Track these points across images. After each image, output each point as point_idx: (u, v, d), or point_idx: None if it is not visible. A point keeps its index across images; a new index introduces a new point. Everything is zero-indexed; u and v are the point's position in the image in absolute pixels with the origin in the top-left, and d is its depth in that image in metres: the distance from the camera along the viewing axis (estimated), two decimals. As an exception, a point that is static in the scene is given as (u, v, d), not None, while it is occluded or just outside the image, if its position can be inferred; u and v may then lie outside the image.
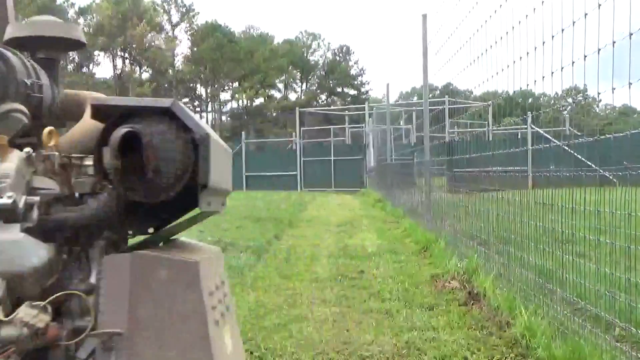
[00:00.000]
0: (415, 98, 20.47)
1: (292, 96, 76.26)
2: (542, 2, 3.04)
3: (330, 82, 76.92)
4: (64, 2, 65.57)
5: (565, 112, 24.25)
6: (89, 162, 1.36)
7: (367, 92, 77.29)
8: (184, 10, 71.95)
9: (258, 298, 4.09)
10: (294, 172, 25.16)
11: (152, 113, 1.22)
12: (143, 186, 1.19)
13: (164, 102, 1.21)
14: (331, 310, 3.75)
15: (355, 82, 78.35)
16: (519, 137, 21.82)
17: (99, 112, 1.26)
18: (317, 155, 25.66)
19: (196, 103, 76.41)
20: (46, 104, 1.55)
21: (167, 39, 68.97)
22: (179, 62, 71.29)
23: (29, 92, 1.45)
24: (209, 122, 76.28)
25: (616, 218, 2.45)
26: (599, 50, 2.42)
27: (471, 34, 4.56)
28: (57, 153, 1.34)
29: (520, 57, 3.39)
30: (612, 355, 2.31)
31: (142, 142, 1.15)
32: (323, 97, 78.72)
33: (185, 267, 1.21)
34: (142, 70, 68.91)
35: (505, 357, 2.73)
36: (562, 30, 2.76)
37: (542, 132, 13.20)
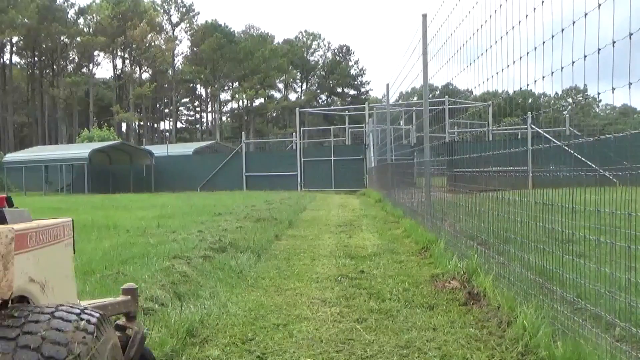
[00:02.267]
0: (415, 98, 20.45)
1: (292, 96, 76.32)
2: (542, 2, 3.04)
3: (330, 82, 76.93)
4: (64, 2, 65.57)
5: (565, 112, 24.24)
6: None
7: (367, 92, 77.33)
8: (184, 10, 71.98)
9: (258, 298, 4.09)
10: (294, 172, 25.17)
11: None
12: None
13: None
14: (331, 310, 3.75)
15: (355, 82, 78.38)
16: (519, 137, 21.84)
17: None
18: (317, 155, 25.68)
19: (196, 103, 76.41)
20: None
21: (167, 39, 68.95)
22: (179, 62, 71.34)
23: None
24: (209, 122, 76.32)
25: (616, 218, 2.45)
26: (599, 50, 2.41)
27: (471, 33, 4.56)
28: None
29: (520, 57, 3.39)
30: (612, 355, 2.31)
31: None
32: (323, 97, 78.73)
33: None
34: (142, 70, 68.90)
35: (505, 357, 2.73)
36: (562, 30, 2.76)
37: (542, 132, 13.19)
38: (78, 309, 1.05)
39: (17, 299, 1.07)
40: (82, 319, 1.02)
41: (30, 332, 0.94)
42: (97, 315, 1.05)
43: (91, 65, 68.76)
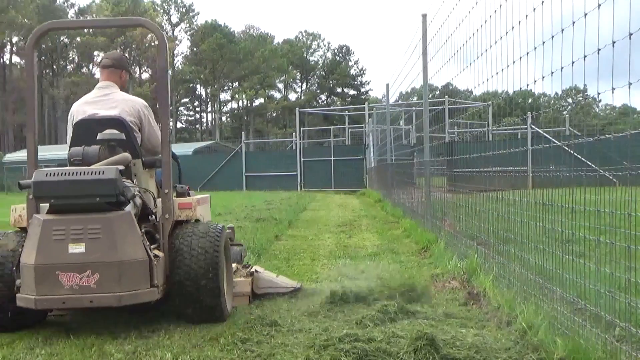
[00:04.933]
0: (415, 98, 20.45)
1: (292, 96, 76.30)
2: (542, 2, 3.04)
3: (330, 82, 76.89)
4: (63, 2, 65.58)
5: (565, 112, 24.23)
6: None
7: (367, 92, 77.29)
8: (183, 10, 71.99)
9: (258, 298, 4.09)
10: (294, 172, 25.14)
11: None
12: None
13: None
14: (331, 310, 3.74)
15: (355, 82, 78.33)
16: (519, 137, 21.83)
17: None
18: (317, 155, 25.65)
19: (196, 103, 76.42)
20: None
21: (167, 39, 68.85)
22: (179, 62, 71.31)
23: None
24: (209, 122, 76.35)
25: (616, 218, 2.45)
26: (599, 50, 2.41)
27: (471, 34, 4.56)
28: None
29: (520, 57, 3.39)
30: (612, 355, 2.31)
31: None
32: (323, 97, 78.69)
33: None
34: (142, 70, 68.89)
35: (505, 357, 2.72)
36: (562, 30, 2.76)
37: (542, 132, 13.19)
38: (215, 223, 3.60)
39: (195, 220, 3.58)
40: (217, 225, 3.50)
41: (206, 229, 3.41)
42: (221, 225, 3.52)
43: (91, 65, 68.78)
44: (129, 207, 3.15)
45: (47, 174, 3.08)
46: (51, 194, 3.05)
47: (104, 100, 3.79)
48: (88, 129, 3.52)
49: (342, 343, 2.75)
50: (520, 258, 3.49)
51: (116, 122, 3.57)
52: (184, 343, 3.00)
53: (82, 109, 3.80)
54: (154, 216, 3.43)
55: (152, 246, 3.22)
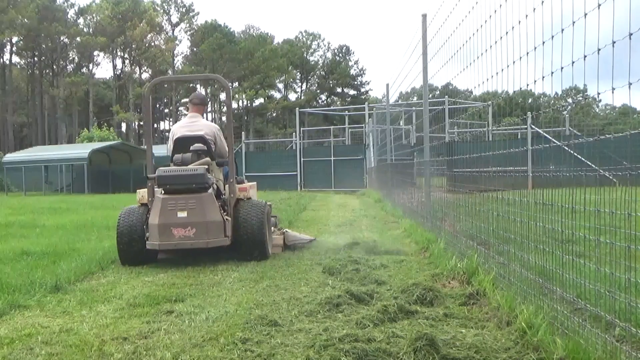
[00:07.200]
0: (415, 98, 20.43)
1: (292, 96, 76.30)
2: (542, 2, 3.04)
3: (330, 82, 76.88)
4: (64, 2, 65.57)
5: (565, 112, 24.21)
6: None
7: (367, 92, 77.28)
8: (183, 10, 72.00)
9: (258, 299, 4.09)
10: (294, 172, 25.14)
11: None
12: None
13: None
14: (331, 310, 3.74)
15: (355, 82, 78.34)
16: (519, 137, 21.83)
17: None
18: (317, 155, 25.65)
19: (196, 103, 76.31)
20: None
21: (167, 39, 68.94)
22: (179, 62, 71.28)
23: None
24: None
25: (616, 218, 2.44)
26: (599, 50, 2.41)
27: (470, 34, 4.56)
28: None
29: (520, 57, 3.39)
30: (612, 355, 2.31)
31: None
32: (323, 97, 78.69)
33: None
34: (142, 70, 68.87)
35: (505, 357, 2.72)
36: (562, 30, 2.76)
37: (542, 132, 13.19)
38: (261, 200, 5.91)
39: (248, 198, 5.72)
40: (262, 201, 5.81)
41: (256, 203, 5.69)
42: (265, 202, 5.82)
43: (91, 65, 68.82)
44: (210, 190, 5.31)
45: (164, 171, 5.25)
46: (167, 182, 5.23)
47: (193, 125, 6.10)
48: (183, 142, 5.77)
49: (342, 343, 2.76)
50: (520, 258, 3.49)
51: (200, 139, 5.79)
52: (184, 343, 3.01)
53: (179, 130, 6.05)
54: (223, 195, 5.67)
55: (224, 213, 5.41)
